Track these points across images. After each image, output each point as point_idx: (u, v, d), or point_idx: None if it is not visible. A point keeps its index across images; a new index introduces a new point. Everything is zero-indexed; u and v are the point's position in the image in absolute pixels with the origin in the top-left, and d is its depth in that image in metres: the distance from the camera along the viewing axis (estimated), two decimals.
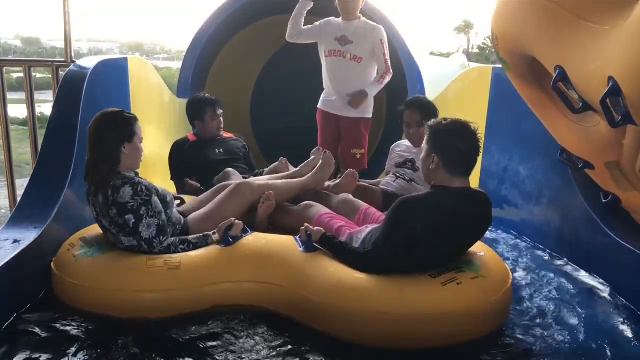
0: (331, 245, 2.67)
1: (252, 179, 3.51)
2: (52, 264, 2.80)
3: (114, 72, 4.07)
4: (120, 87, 4.14)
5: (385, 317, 2.34)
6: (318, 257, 2.65)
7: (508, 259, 3.40)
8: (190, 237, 2.84)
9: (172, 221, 2.90)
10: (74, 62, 4.07)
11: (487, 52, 35.20)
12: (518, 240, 3.81)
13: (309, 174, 3.52)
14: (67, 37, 4.50)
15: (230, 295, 2.65)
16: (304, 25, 4.51)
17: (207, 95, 4.35)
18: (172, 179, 4.28)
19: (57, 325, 2.50)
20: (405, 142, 4.14)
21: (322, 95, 4.60)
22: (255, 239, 2.84)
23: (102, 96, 3.74)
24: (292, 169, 3.85)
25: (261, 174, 3.99)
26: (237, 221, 2.84)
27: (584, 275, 3.15)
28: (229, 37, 6.30)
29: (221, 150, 4.25)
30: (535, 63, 2.86)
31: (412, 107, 3.94)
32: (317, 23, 4.41)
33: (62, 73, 4.80)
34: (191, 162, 4.17)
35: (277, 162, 4.03)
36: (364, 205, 3.32)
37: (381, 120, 6.51)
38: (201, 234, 2.85)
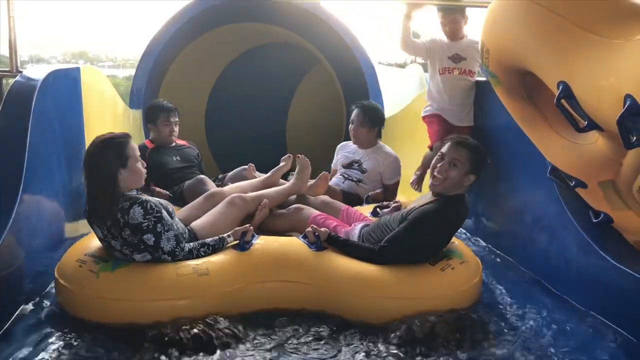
0: (339, 244, 2.94)
1: (241, 185, 3.83)
2: (62, 281, 2.69)
3: (65, 84, 3.72)
4: (72, 99, 3.80)
5: (402, 301, 2.68)
6: (332, 254, 2.88)
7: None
8: (208, 240, 2.91)
9: (179, 231, 2.92)
10: (20, 72, 3.72)
11: None
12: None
13: (292, 181, 3.79)
14: (11, 44, 4.14)
15: (259, 295, 2.75)
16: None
17: (164, 102, 4.46)
18: None
19: None
20: (351, 144, 4.42)
21: (434, 103, 4.55)
22: (267, 242, 2.97)
23: (53, 109, 3.41)
24: (259, 175, 4.16)
25: (223, 179, 4.37)
26: (250, 227, 2.96)
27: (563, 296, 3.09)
28: (182, 47, 6.13)
29: (178, 157, 4.40)
30: (528, 78, 2.72)
31: (359, 107, 4.33)
32: (423, 42, 4.57)
33: (5, 83, 4.45)
34: (151, 168, 4.00)
35: (239, 168, 4.36)
36: (343, 205, 3.66)
37: (341, 128, 6.35)
38: (217, 237, 2.93)
